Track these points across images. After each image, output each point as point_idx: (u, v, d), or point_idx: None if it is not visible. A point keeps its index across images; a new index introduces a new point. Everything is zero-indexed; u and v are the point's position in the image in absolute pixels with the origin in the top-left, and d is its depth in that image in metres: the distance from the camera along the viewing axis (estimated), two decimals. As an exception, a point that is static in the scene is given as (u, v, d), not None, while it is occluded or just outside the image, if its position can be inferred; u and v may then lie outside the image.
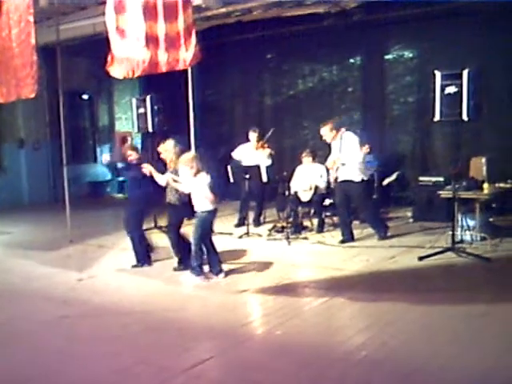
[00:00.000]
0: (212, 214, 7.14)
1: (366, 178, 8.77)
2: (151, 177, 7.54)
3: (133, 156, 7.89)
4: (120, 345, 5.27)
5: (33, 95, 8.98)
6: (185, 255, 7.50)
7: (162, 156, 7.73)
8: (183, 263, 7.55)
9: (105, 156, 7.99)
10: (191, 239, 7.17)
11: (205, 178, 7.00)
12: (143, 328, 5.64)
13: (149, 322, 5.77)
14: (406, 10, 10.20)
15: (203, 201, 7.02)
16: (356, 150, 8.51)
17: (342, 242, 8.79)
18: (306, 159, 9.76)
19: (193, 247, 7.11)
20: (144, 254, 7.83)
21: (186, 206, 7.32)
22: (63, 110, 9.46)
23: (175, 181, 7.27)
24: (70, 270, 7.80)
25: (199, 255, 7.13)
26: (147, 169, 7.54)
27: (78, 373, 4.66)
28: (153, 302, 6.42)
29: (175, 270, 7.57)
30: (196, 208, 7.09)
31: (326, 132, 8.70)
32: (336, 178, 8.79)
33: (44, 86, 9.12)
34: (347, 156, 8.50)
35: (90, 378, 4.55)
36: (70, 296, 6.71)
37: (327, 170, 9.31)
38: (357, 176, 8.61)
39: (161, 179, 7.49)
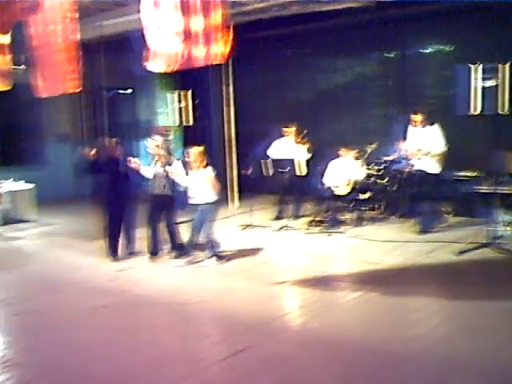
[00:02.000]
0: (216, 204, 7.62)
1: (440, 172, 8.76)
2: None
3: (118, 151, 8.17)
4: (156, 334, 5.40)
5: (78, 90, 9.18)
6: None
7: (151, 151, 8.01)
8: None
9: (87, 151, 8.13)
10: (202, 230, 7.62)
11: (211, 171, 7.54)
12: (179, 318, 5.77)
13: (185, 313, 5.89)
14: (442, 3, 10.07)
15: (208, 193, 7.48)
16: (439, 142, 8.58)
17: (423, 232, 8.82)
18: (345, 153, 9.72)
19: (206, 237, 7.66)
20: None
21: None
22: (104, 105, 9.63)
23: (173, 173, 7.74)
24: (110, 261, 7.99)
25: (213, 242, 7.71)
26: (135, 164, 7.96)
27: (115, 361, 4.80)
28: (189, 293, 6.53)
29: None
30: (198, 200, 7.54)
31: (418, 117, 8.78)
32: (411, 166, 9.04)
33: (86, 81, 9.27)
34: (430, 146, 8.58)
35: (126, 366, 4.66)
36: (110, 286, 6.89)
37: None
38: (433, 167, 8.67)
39: (148, 172, 8.01)
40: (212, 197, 7.54)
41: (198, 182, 7.51)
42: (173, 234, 8.04)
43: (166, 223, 7.98)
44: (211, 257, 7.69)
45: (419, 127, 8.75)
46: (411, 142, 8.88)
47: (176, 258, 7.90)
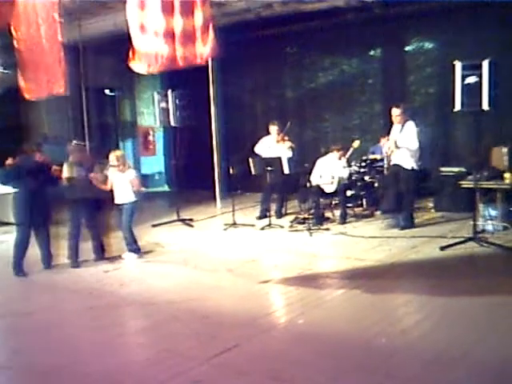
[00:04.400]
0: (136, 203, 8.05)
1: (416, 168, 8.83)
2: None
3: (38, 157, 8.11)
4: (145, 334, 5.42)
5: (63, 91, 9.15)
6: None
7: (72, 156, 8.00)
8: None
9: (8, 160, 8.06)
10: (126, 227, 8.01)
11: (133, 173, 8.08)
12: (168, 317, 5.75)
13: (173, 312, 5.88)
14: (425, 2, 10.18)
15: (130, 193, 7.93)
16: (413, 138, 8.65)
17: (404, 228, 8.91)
18: (334, 151, 9.87)
19: (128, 233, 8.01)
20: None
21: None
22: (86, 105, 9.60)
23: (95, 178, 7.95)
24: (97, 262, 7.97)
25: (134, 238, 8.09)
26: (55, 171, 7.94)
27: (104, 362, 4.77)
28: (177, 292, 6.53)
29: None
30: (121, 200, 7.98)
31: (397, 112, 8.84)
32: (389, 161, 9.16)
33: (68, 82, 9.24)
34: (403, 142, 8.68)
35: (116, 367, 4.65)
36: (97, 287, 6.87)
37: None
38: (407, 163, 8.75)
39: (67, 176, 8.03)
40: (133, 197, 7.92)
41: (120, 183, 7.89)
42: (95, 236, 8.08)
43: (89, 225, 8.02)
44: (131, 252, 8.03)
45: (398, 124, 8.84)
46: (390, 139, 8.95)
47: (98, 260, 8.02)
